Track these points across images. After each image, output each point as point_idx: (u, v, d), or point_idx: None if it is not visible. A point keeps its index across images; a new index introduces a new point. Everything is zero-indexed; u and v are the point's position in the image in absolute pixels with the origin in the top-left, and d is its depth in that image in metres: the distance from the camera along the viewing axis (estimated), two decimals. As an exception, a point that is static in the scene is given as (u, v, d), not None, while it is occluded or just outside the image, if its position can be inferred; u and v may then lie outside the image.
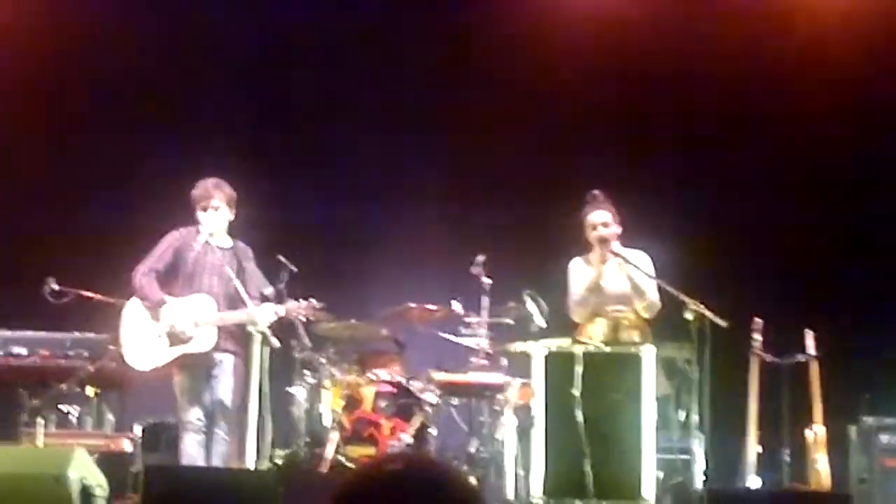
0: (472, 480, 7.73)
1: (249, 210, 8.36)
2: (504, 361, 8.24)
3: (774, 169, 10.13)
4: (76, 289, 8.44)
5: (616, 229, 8.18)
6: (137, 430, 8.53)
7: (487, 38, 10.29)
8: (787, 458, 8.36)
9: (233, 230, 8.19)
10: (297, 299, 7.91)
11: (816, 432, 8.03)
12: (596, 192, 8.24)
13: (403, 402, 8.30)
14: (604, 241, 8.12)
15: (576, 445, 7.31)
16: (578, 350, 7.54)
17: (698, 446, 7.65)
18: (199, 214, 8.02)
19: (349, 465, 7.96)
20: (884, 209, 9.94)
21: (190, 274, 7.99)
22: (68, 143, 10.21)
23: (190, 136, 10.02)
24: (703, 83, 10.10)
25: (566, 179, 9.41)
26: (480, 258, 8.40)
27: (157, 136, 10.20)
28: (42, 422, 8.08)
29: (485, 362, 8.30)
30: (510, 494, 7.74)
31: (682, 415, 7.69)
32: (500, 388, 8.08)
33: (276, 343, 7.67)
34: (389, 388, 8.35)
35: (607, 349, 7.70)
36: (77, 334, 8.58)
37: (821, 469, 7.97)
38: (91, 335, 8.57)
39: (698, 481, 7.66)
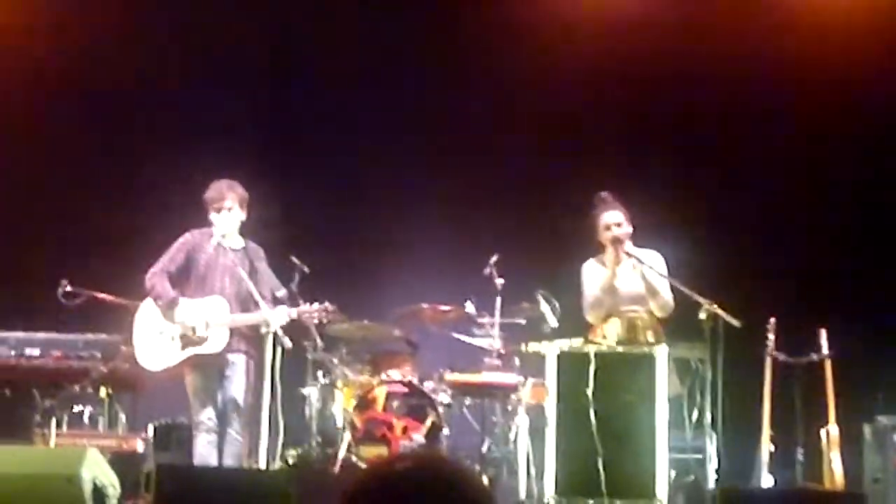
0: (485, 480, 7.73)
1: (262, 211, 8.36)
2: (517, 361, 8.24)
3: (788, 167, 10.11)
4: (89, 290, 8.46)
5: (629, 229, 8.16)
6: (150, 430, 8.54)
7: (496, 40, 10.28)
8: (801, 458, 8.34)
9: (245, 231, 8.19)
10: (310, 302, 7.91)
11: (830, 431, 8.00)
12: (605, 193, 8.21)
13: (416, 403, 8.31)
14: (617, 242, 8.10)
15: (588, 445, 7.30)
16: (591, 350, 7.53)
17: (711, 445, 7.63)
18: (213, 216, 8.03)
19: (361, 465, 7.96)
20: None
21: (203, 275, 8.00)
22: (82, 146, 10.22)
23: (202, 137, 10.02)
24: (714, 82, 10.09)
25: (578, 180, 9.39)
26: (493, 258, 8.40)
27: (170, 137, 10.21)
28: (55, 422, 8.10)
29: (497, 362, 8.30)
30: (522, 494, 7.74)
31: (695, 414, 7.66)
32: (512, 389, 8.08)
33: (288, 344, 7.67)
34: (402, 389, 8.37)
35: (620, 349, 7.68)
36: (90, 335, 8.60)
37: (834, 468, 7.95)
38: (104, 336, 8.59)
39: (711, 480, 7.64)
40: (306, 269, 8.27)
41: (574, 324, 8.20)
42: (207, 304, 7.91)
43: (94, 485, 6.69)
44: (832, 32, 10.00)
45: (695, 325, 7.60)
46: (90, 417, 8.67)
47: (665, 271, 8.10)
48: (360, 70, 10.47)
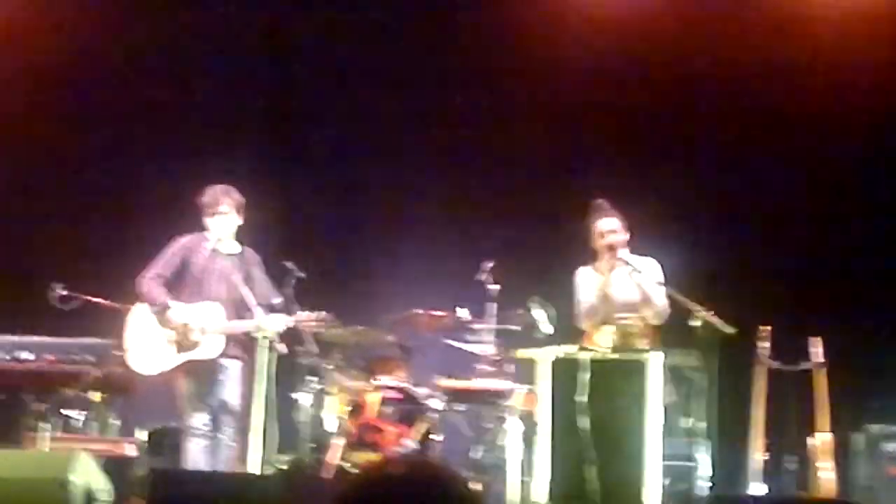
0: (477, 486, 7.74)
1: (257, 215, 8.36)
2: (510, 368, 8.24)
3: (782, 175, 10.12)
4: (83, 294, 8.45)
5: (624, 236, 8.16)
6: (142, 434, 8.52)
7: (490, 46, 10.29)
8: (793, 466, 8.36)
9: (240, 236, 8.19)
10: (305, 309, 7.89)
11: (822, 440, 8.01)
12: (601, 200, 8.22)
13: (408, 409, 8.32)
14: (612, 249, 8.10)
15: (581, 452, 7.29)
16: (585, 357, 7.53)
17: (704, 453, 7.63)
18: (208, 220, 8.03)
19: (354, 470, 7.96)
20: (892, 217, 9.92)
21: (198, 280, 7.99)
22: (75, 149, 10.21)
23: (197, 141, 10.03)
24: (708, 91, 10.10)
25: (573, 186, 9.42)
26: (487, 264, 8.41)
27: (165, 141, 10.21)
28: (47, 426, 8.08)
29: (491, 369, 8.31)
30: (515, 500, 7.73)
31: (688, 422, 7.66)
32: (505, 395, 8.09)
33: (282, 349, 7.66)
34: (395, 395, 8.37)
35: (614, 356, 7.68)
36: (83, 339, 8.58)
37: (826, 477, 7.95)
38: (97, 340, 8.56)
39: (703, 488, 7.64)
40: (301, 274, 8.27)
41: (568, 330, 8.20)
42: (203, 309, 7.91)
43: (86, 489, 6.68)
44: (831, 38, 10.00)
45: (688, 333, 7.61)
46: (83, 422, 8.65)
47: (661, 279, 8.11)
48: (356, 77, 10.47)
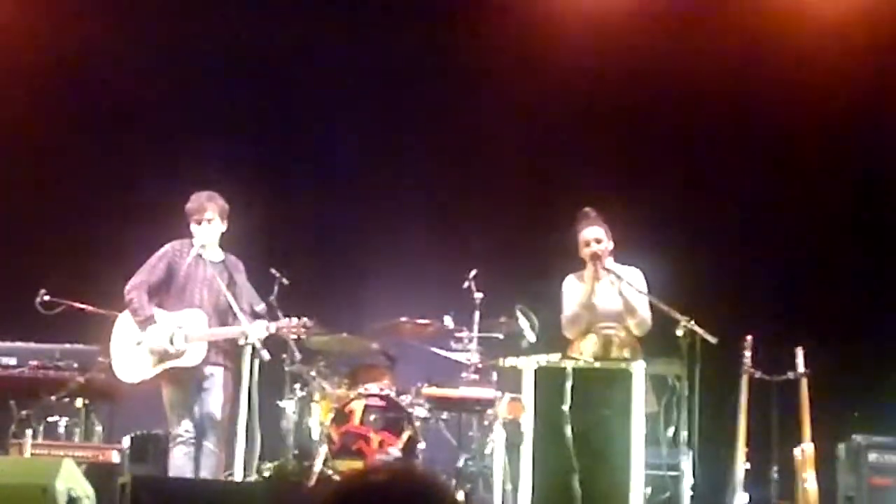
0: (461, 495, 7.74)
1: (243, 223, 8.36)
2: (494, 376, 8.24)
3: (767, 186, 10.15)
4: (67, 300, 8.43)
5: (609, 246, 8.17)
6: (126, 441, 8.51)
7: (485, 56, 10.31)
8: (776, 476, 8.36)
9: (224, 243, 8.19)
10: (289, 316, 7.90)
11: (805, 450, 8.01)
12: (588, 209, 8.23)
13: (393, 416, 8.31)
14: (596, 258, 8.10)
15: (565, 461, 7.29)
16: (568, 365, 7.53)
17: (687, 462, 7.64)
18: (193, 227, 8.04)
19: (337, 478, 7.95)
20: (875, 229, 9.96)
21: (182, 287, 7.99)
22: (61, 155, 10.20)
23: (184, 148, 10.02)
24: (697, 103, 10.11)
25: (560, 196, 9.44)
26: (472, 273, 8.42)
27: (151, 148, 10.21)
28: (30, 432, 8.07)
29: (475, 377, 8.31)
30: (498, 509, 7.74)
31: (671, 431, 7.67)
32: (489, 403, 8.09)
33: (266, 356, 7.66)
34: (379, 402, 8.37)
35: (597, 365, 7.69)
36: (67, 345, 8.57)
37: (809, 487, 7.96)
38: (81, 346, 8.57)
39: (686, 498, 7.65)
40: (286, 281, 8.28)
41: (552, 339, 8.21)
42: (186, 316, 7.90)
43: (69, 496, 6.67)
44: (825, 54, 10.03)
45: (672, 342, 7.62)
46: (66, 428, 8.63)
47: (645, 288, 8.12)
48: (347, 85, 10.47)
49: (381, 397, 8.37)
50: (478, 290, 8.38)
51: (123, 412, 8.80)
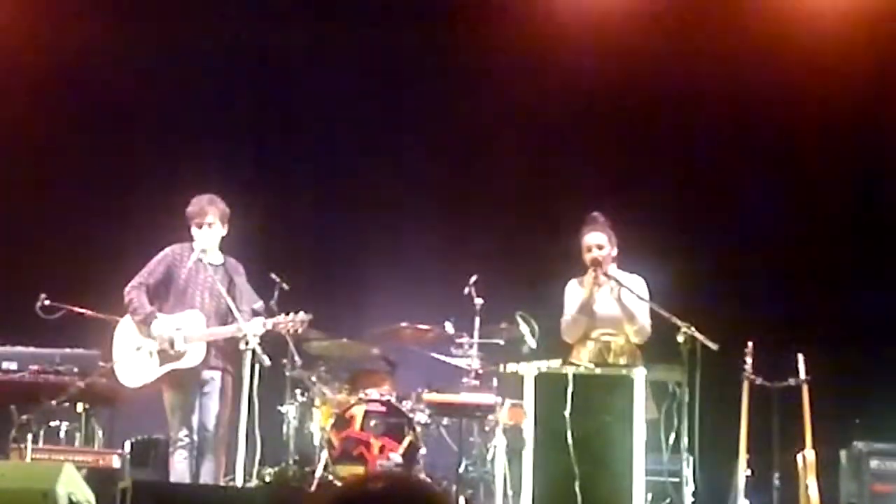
0: (462, 501, 7.73)
1: (244, 227, 8.35)
2: (494, 382, 8.23)
3: (770, 192, 10.14)
4: (67, 304, 8.43)
5: (610, 252, 8.13)
6: (126, 446, 8.51)
7: (487, 61, 10.30)
8: (777, 483, 8.35)
9: (224, 247, 8.19)
10: (286, 312, 7.89)
11: (806, 456, 8.00)
12: (596, 214, 8.18)
13: (393, 422, 8.31)
14: (596, 264, 8.07)
15: (565, 467, 7.28)
16: (569, 371, 7.52)
17: (688, 469, 7.62)
18: (194, 231, 8.03)
19: (338, 483, 7.94)
20: (877, 236, 9.95)
21: (181, 290, 7.99)
22: (61, 156, 10.20)
23: (185, 152, 10.02)
24: (701, 109, 10.11)
25: (560, 202, 9.43)
26: (473, 279, 8.41)
27: (151, 149, 10.20)
28: (31, 437, 8.06)
29: (475, 383, 8.30)
30: (499, 515, 7.73)
31: (672, 437, 7.65)
32: (490, 409, 8.08)
33: (266, 361, 7.65)
34: (380, 408, 8.36)
35: (598, 371, 7.68)
36: (67, 350, 8.57)
37: (811, 494, 7.95)
38: (81, 351, 8.57)
39: (687, 504, 7.64)
40: (285, 286, 8.28)
41: (553, 345, 8.19)
42: (185, 318, 7.90)
43: (70, 501, 6.66)
44: (827, 56, 10.02)
45: (672, 348, 7.60)
46: (67, 433, 8.63)
47: (645, 296, 8.07)
48: (347, 90, 10.47)
49: (382, 403, 8.37)
50: (478, 296, 8.37)
51: (124, 417, 8.79)
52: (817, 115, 9.94)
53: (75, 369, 8.45)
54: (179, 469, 7.84)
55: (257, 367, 7.69)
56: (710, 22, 10.14)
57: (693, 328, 7.51)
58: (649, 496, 7.52)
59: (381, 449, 8.20)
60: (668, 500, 7.72)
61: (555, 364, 7.66)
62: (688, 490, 7.64)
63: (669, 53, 10.10)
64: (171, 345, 7.80)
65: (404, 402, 8.40)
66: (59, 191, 10.10)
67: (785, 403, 8.26)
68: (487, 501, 7.94)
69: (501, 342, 8.45)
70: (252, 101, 10.58)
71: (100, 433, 8.74)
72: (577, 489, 7.26)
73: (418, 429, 8.25)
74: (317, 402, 8.55)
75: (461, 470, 8.20)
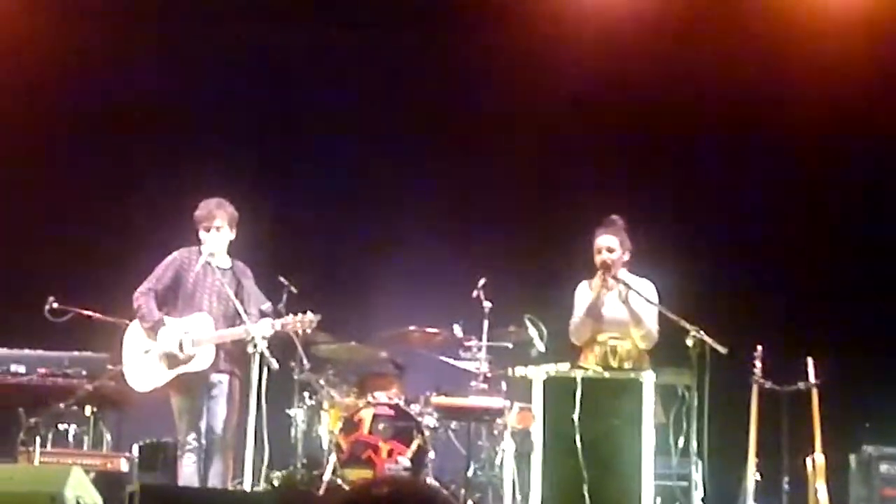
0: (470, 505, 7.72)
1: (252, 230, 8.35)
2: (503, 385, 8.22)
3: (778, 196, 10.12)
4: (76, 307, 8.43)
5: (621, 256, 8.08)
6: (135, 449, 8.51)
7: (494, 63, 10.30)
8: (787, 487, 8.34)
9: (232, 251, 8.18)
10: (294, 313, 7.88)
11: (816, 461, 7.99)
12: (614, 217, 8.13)
13: (402, 425, 8.30)
14: (605, 267, 8.03)
15: (574, 471, 7.26)
16: (578, 375, 7.50)
17: (697, 473, 7.60)
18: (202, 235, 8.03)
19: (346, 487, 7.94)
20: (886, 239, 9.93)
21: (190, 294, 7.98)
22: (70, 163, 10.21)
23: (193, 156, 10.02)
24: (707, 112, 10.09)
25: (569, 205, 9.42)
26: (481, 282, 8.40)
27: (160, 155, 10.21)
28: (39, 440, 8.06)
29: (484, 386, 8.29)
30: (508, 519, 7.72)
31: (681, 441, 7.63)
32: (498, 413, 8.07)
33: (274, 364, 7.64)
34: (388, 411, 8.35)
35: (606, 374, 7.66)
36: (76, 353, 8.58)
37: (820, 498, 7.93)
38: (90, 354, 8.57)
39: (696, 509, 7.62)
40: (294, 289, 8.28)
41: (561, 348, 8.17)
42: (193, 321, 7.90)
43: (78, 504, 6.66)
44: (830, 57, 10.00)
45: (681, 352, 7.58)
46: (75, 436, 8.64)
47: (655, 300, 8.03)
48: (353, 92, 10.47)
49: (391, 406, 8.36)
50: (487, 299, 8.36)
51: (132, 420, 8.80)
52: (826, 116, 9.91)
53: (83, 372, 8.45)
54: (187, 473, 7.83)
55: (265, 370, 7.68)
56: (711, 23, 10.13)
57: (702, 332, 7.48)
58: (658, 500, 7.50)
59: (390, 452, 8.19)
60: (676, 505, 7.71)
61: (563, 367, 7.65)
62: (697, 494, 7.62)
63: (670, 53, 10.08)
64: (181, 348, 7.80)
65: (412, 406, 8.39)
66: (66, 193, 10.10)
67: (794, 407, 8.24)
68: (497, 505, 7.93)
69: (510, 345, 8.45)
70: (256, 103, 10.57)
71: (108, 437, 8.75)
72: (586, 493, 7.24)
73: (426, 432, 8.24)
74: (325, 405, 8.55)
75: (469, 474, 8.19)
